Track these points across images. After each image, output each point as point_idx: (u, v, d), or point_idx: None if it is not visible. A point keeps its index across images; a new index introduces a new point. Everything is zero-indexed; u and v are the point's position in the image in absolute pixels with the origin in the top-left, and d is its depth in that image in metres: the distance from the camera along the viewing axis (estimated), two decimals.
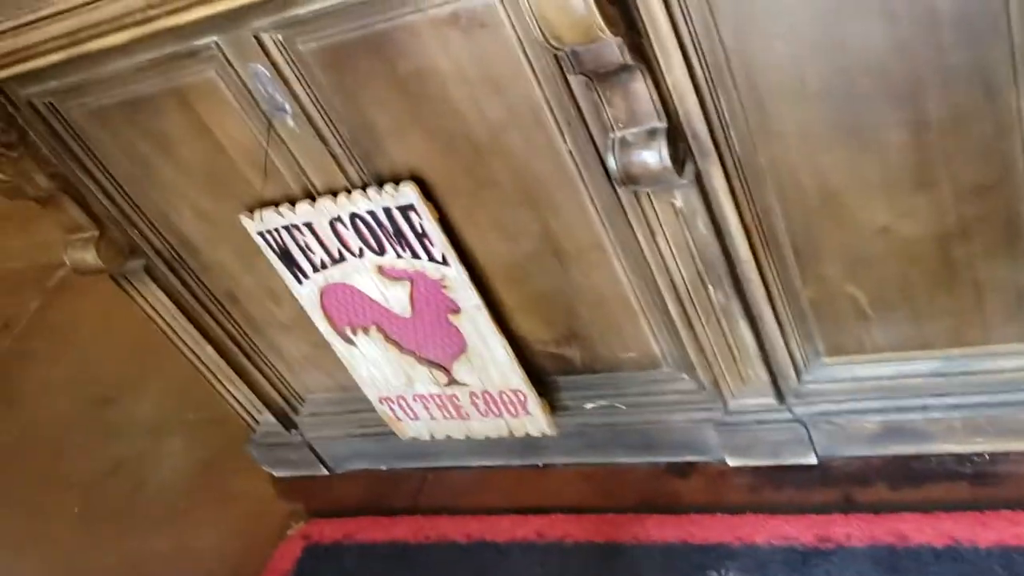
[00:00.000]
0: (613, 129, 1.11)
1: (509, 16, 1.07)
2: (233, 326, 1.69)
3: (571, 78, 1.09)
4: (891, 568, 1.32)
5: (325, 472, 1.92)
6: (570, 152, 1.20)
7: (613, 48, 0.99)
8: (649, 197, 1.19)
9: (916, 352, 1.31)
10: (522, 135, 1.20)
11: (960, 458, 1.40)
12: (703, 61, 1.06)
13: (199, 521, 2.01)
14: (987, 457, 1.38)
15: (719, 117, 1.11)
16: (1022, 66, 0.96)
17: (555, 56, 1.06)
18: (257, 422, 1.87)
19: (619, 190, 1.20)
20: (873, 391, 1.37)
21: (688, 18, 1.02)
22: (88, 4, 1.12)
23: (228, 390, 1.80)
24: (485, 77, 1.15)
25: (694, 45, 1.04)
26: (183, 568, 1.92)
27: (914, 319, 1.26)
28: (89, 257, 1.50)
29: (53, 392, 2.66)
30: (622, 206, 1.24)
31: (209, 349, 1.70)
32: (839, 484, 1.46)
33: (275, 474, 1.98)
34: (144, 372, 2.44)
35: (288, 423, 1.85)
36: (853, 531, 1.38)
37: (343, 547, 1.76)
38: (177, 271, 1.59)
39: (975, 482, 1.37)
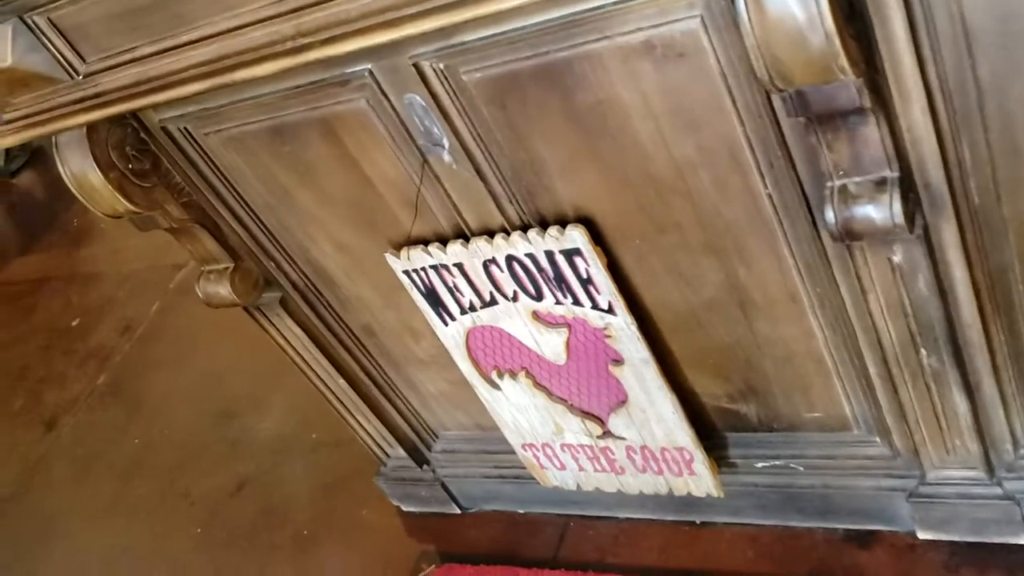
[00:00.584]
0: (832, 177, 0.94)
1: (712, 45, 0.91)
2: (368, 360, 1.58)
3: (784, 118, 0.93)
4: None
5: (457, 511, 1.80)
6: (769, 196, 1.04)
7: (851, 90, 0.82)
8: (863, 251, 1.02)
9: None
10: (713, 176, 1.04)
11: None
12: (949, 103, 0.88)
13: (324, 553, 1.92)
14: None
15: (959, 165, 0.93)
16: None
17: (767, 93, 0.89)
18: (387, 455, 1.77)
19: (826, 240, 1.03)
20: None
21: (938, 53, 0.85)
22: (232, 31, 1.01)
23: (359, 422, 1.69)
24: (676, 111, 0.99)
25: (941, 84, 0.87)
26: None
27: None
28: (223, 290, 1.40)
29: (175, 401, 2.62)
30: (827, 258, 1.07)
31: (342, 382, 1.60)
32: None
33: (404, 508, 1.88)
34: (267, 386, 2.37)
35: (420, 459, 1.74)
36: None
37: None
38: (313, 304, 1.49)
39: None
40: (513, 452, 1.56)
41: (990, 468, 1.24)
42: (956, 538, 1.34)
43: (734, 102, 0.96)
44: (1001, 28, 0.82)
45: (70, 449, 2.69)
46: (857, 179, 0.93)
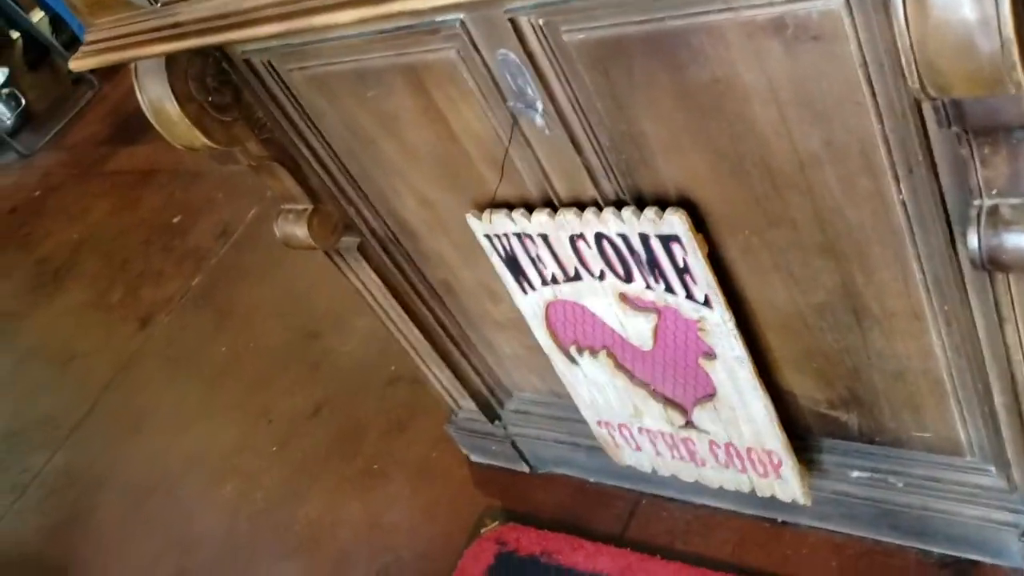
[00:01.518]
0: (982, 196, 0.80)
1: (856, 30, 0.77)
2: (445, 314, 1.51)
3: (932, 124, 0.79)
4: None
5: (526, 470, 1.74)
6: (903, 204, 0.90)
7: (1022, 105, 0.67)
8: (1007, 279, 0.87)
9: None
10: (839, 174, 0.91)
11: None
12: None
13: (391, 491, 1.90)
14: None
15: None
16: None
17: (916, 100, 0.75)
18: (459, 406, 1.71)
19: (963, 260, 0.89)
20: None
21: None
22: None
23: (433, 371, 1.63)
24: (803, 100, 0.85)
25: None
26: (372, 545, 1.81)
27: None
28: (300, 232, 1.34)
29: (263, 314, 2.61)
30: (962, 279, 0.93)
31: (417, 332, 1.53)
32: None
33: (473, 458, 1.82)
34: (352, 311, 2.32)
35: (491, 415, 1.67)
36: None
37: (539, 565, 1.58)
38: (392, 254, 1.41)
39: None
40: (587, 423, 1.48)
41: None
42: None
43: (874, 97, 0.82)
44: None
45: (162, 349, 2.73)
46: (1013, 201, 0.78)
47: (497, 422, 1.69)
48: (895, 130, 0.84)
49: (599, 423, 1.44)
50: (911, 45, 0.65)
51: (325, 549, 1.86)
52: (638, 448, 1.43)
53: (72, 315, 3.09)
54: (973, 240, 0.81)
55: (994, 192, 0.79)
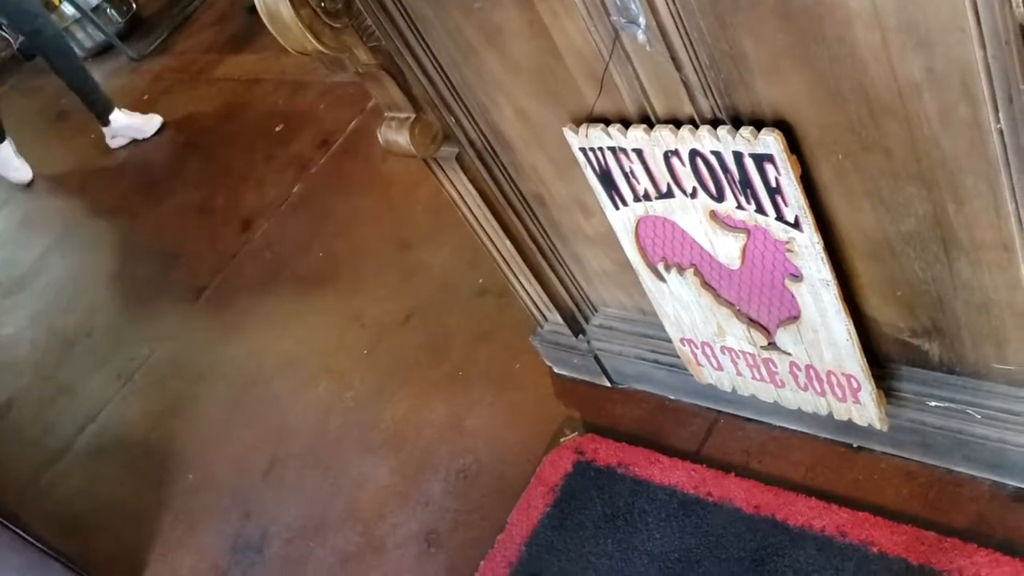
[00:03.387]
0: None
1: None
2: (536, 227, 1.55)
3: None
4: None
5: (607, 384, 1.79)
6: (1000, 133, 0.90)
7: None
8: None
9: None
10: (938, 102, 0.91)
11: None
12: None
13: (475, 397, 1.97)
14: None
15: None
16: None
17: (1022, 27, 0.75)
18: (545, 319, 1.76)
19: None
20: None
21: None
22: None
23: (521, 283, 1.68)
24: (907, 25, 0.86)
25: None
26: (453, 446, 1.90)
27: None
28: (402, 139, 1.39)
29: (358, 223, 2.70)
30: None
31: (508, 243, 1.58)
32: None
33: (556, 371, 1.88)
34: (443, 223, 2.39)
35: (576, 329, 1.73)
36: None
37: (616, 476, 1.64)
38: (488, 165, 1.45)
39: None
40: (670, 341, 1.52)
41: None
42: None
43: (979, 23, 0.82)
44: None
45: (261, 252, 2.84)
46: None
47: (581, 336, 1.74)
48: (997, 58, 0.84)
49: (682, 340, 1.48)
50: None
51: (409, 447, 1.96)
52: (719, 367, 1.47)
53: (179, 216, 3.23)
54: None
55: None
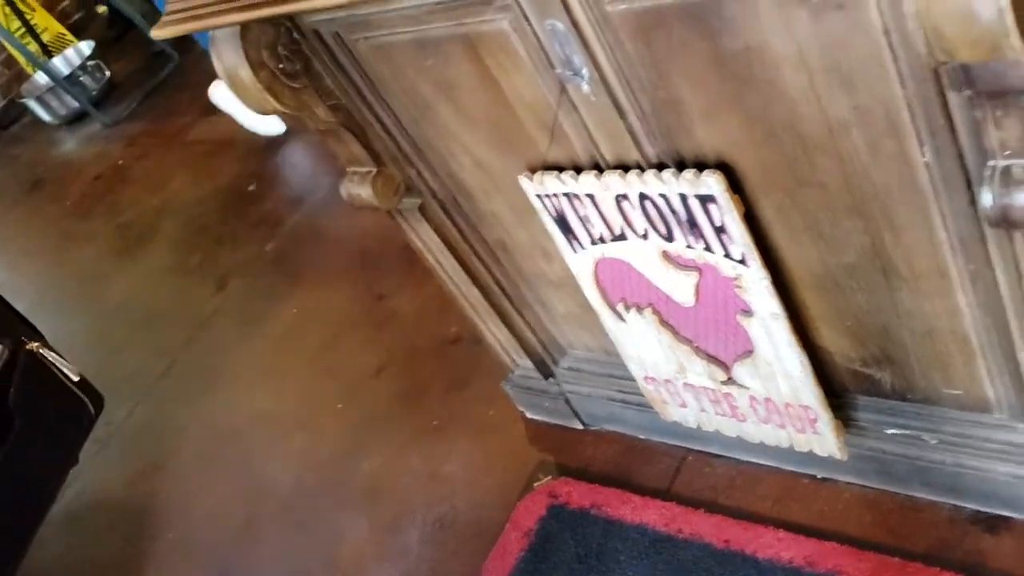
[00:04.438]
0: (996, 156, 0.84)
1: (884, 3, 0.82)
2: (501, 273, 1.59)
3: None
4: None
5: (579, 427, 1.82)
6: (927, 166, 0.95)
7: (1022, 69, 0.72)
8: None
9: None
10: (866, 138, 0.96)
11: None
12: None
13: (450, 446, 1.99)
14: None
15: None
16: None
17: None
18: (516, 363, 1.79)
19: (990, 227, 0.94)
20: None
21: None
22: None
23: (490, 329, 1.72)
24: (831, 67, 0.91)
25: None
26: (429, 495, 1.91)
27: None
28: (365, 193, 1.43)
29: (332, 276, 2.73)
30: (984, 239, 0.97)
31: (475, 290, 1.61)
32: None
33: (528, 415, 1.91)
34: (417, 274, 2.41)
35: (546, 372, 1.76)
36: None
37: (589, 517, 1.66)
38: (451, 214, 1.49)
39: None
40: (635, 379, 1.55)
41: None
42: None
43: (896, 62, 0.87)
44: None
45: (236, 310, 2.87)
46: None
47: (551, 380, 1.77)
48: (917, 94, 0.88)
49: (646, 379, 1.51)
50: (917, 11, 0.70)
51: (386, 499, 1.97)
52: (683, 404, 1.50)
53: (153, 277, 3.25)
54: (987, 199, 0.86)
55: (1007, 153, 0.83)
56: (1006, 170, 0.84)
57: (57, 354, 2.08)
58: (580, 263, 1.35)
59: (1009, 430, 1.22)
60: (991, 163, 0.85)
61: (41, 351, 1.98)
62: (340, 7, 1.08)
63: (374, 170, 1.41)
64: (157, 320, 3.03)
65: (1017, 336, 1.07)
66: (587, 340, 1.63)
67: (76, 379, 2.10)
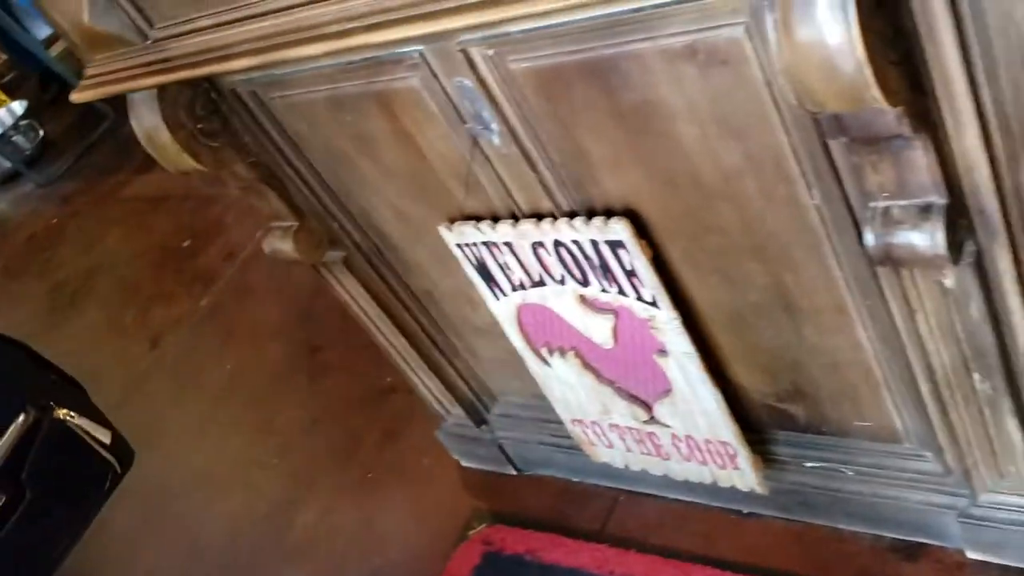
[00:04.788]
0: (876, 198, 0.89)
1: (757, 54, 0.87)
2: (429, 322, 1.61)
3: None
4: None
5: (513, 472, 1.83)
6: (817, 208, 0.99)
7: (889, 118, 0.77)
8: (911, 272, 0.97)
9: None
10: (759, 184, 1.01)
11: None
12: (1005, 128, 0.82)
13: (385, 497, 1.99)
14: None
15: (1016, 193, 0.87)
16: None
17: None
18: (448, 412, 1.80)
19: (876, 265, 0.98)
20: None
21: (993, 77, 0.79)
22: (283, 10, 1.02)
23: (421, 379, 1.73)
24: (721, 118, 0.95)
25: (996, 109, 0.81)
26: (365, 548, 1.91)
27: None
28: (287, 247, 1.44)
29: (267, 331, 2.72)
30: (875, 276, 1.02)
31: (403, 340, 1.63)
32: None
33: (463, 463, 1.92)
34: (350, 326, 2.41)
35: (478, 419, 1.77)
36: None
37: (523, 563, 1.67)
38: (376, 266, 1.52)
39: None
40: (563, 422, 1.57)
41: None
42: (1007, 562, 1.29)
43: (779, 113, 0.91)
44: None
45: (171, 367, 2.84)
46: (902, 203, 0.88)
47: (484, 427, 1.78)
48: (802, 142, 0.93)
49: (573, 421, 1.53)
50: (786, 67, 0.75)
51: (323, 554, 1.96)
52: (610, 445, 1.53)
53: (87, 336, 3.21)
54: (870, 238, 0.90)
55: (885, 195, 0.88)
56: (886, 211, 0.89)
57: (91, 416, 2.01)
58: (503, 309, 1.38)
59: (919, 459, 1.27)
60: (872, 205, 0.90)
61: (70, 417, 1.92)
62: (253, 68, 1.10)
63: (296, 224, 1.43)
64: (91, 380, 2.95)
65: (916, 368, 1.11)
66: (516, 385, 1.65)
67: (107, 441, 2.04)
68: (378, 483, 2.03)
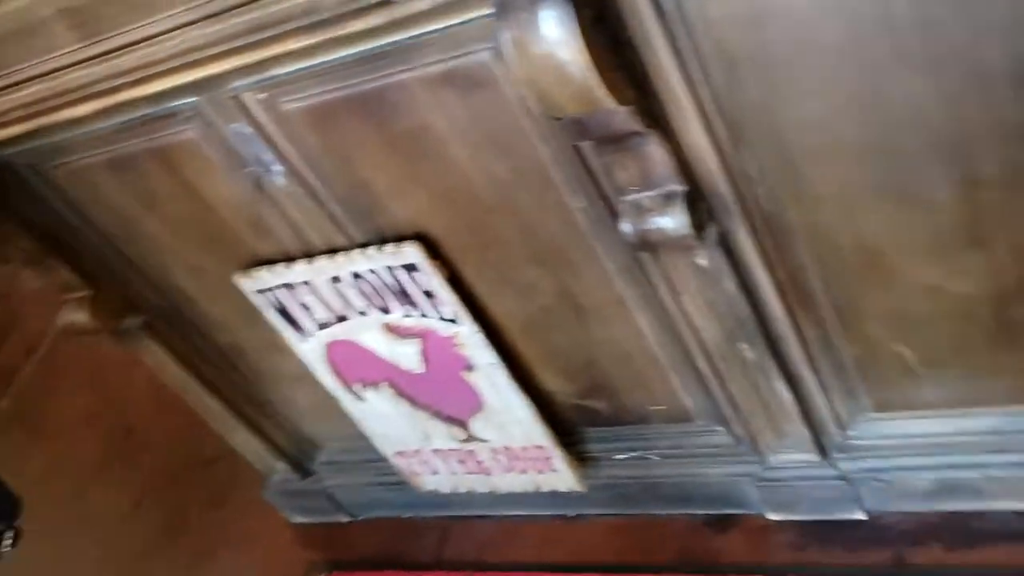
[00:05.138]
0: (627, 192, 1.00)
1: (505, 76, 0.96)
2: (240, 377, 1.61)
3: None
4: None
5: (346, 519, 1.84)
6: (583, 211, 1.09)
7: (621, 116, 0.87)
8: (669, 256, 1.08)
9: (972, 409, 1.19)
10: (530, 194, 1.10)
11: (1022, 516, 1.27)
12: (726, 120, 0.94)
13: (218, 568, 1.95)
14: None
15: (744, 176, 1.00)
16: None
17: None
18: (273, 469, 1.80)
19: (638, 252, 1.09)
20: (925, 448, 1.25)
21: (709, 77, 0.91)
22: (50, 73, 1.04)
23: (239, 439, 1.72)
24: (486, 137, 1.04)
25: (716, 104, 0.93)
26: None
27: (969, 377, 1.15)
28: (82, 318, 1.42)
29: (76, 419, 2.59)
30: (641, 264, 1.13)
31: (216, 402, 1.63)
32: (890, 543, 1.35)
33: (294, 520, 1.91)
34: (165, 399, 2.36)
35: (304, 471, 1.78)
36: None
37: None
38: (177, 327, 1.51)
39: None
40: (387, 459, 1.60)
41: (823, 450, 1.31)
42: (802, 518, 1.42)
43: (536, 125, 1.01)
44: (758, 56, 0.88)
45: None
46: (648, 193, 0.98)
47: (311, 478, 1.79)
48: (559, 150, 1.03)
49: (396, 455, 1.57)
50: (524, 79, 0.84)
51: None
52: (435, 471, 1.57)
53: None
54: (626, 228, 1.01)
55: (634, 188, 0.99)
56: (636, 203, 0.99)
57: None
58: (311, 351, 1.41)
59: (712, 434, 1.38)
60: (624, 200, 1.00)
61: None
62: (24, 137, 1.10)
63: (89, 293, 1.41)
64: None
65: (692, 347, 1.23)
66: (337, 429, 1.67)
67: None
68: (210, 555, 1.98)
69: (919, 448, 1.26)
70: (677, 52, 0.89)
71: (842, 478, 1.33)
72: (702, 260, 1.07)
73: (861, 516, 1.37)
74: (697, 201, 1.00)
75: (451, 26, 0.92)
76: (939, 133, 0.89)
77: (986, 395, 1.17)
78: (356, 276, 1.26)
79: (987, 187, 0.93)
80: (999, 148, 0.89)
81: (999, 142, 0.88)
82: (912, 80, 0.85)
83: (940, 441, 1.24)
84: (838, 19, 0.82)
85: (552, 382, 1.39)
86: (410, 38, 0.94)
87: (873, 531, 1.36)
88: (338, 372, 1.44)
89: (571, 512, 1.62)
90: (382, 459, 1.64)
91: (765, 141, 0.95)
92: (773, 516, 1.43)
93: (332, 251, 1.26)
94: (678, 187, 0.97)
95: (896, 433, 1.26)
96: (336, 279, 1.27)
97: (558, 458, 1.44)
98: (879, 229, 1.00)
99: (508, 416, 1.39)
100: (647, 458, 1.46)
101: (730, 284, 1.09)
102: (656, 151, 0.94)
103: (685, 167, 0.97)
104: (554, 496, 1.56)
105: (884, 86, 0.86)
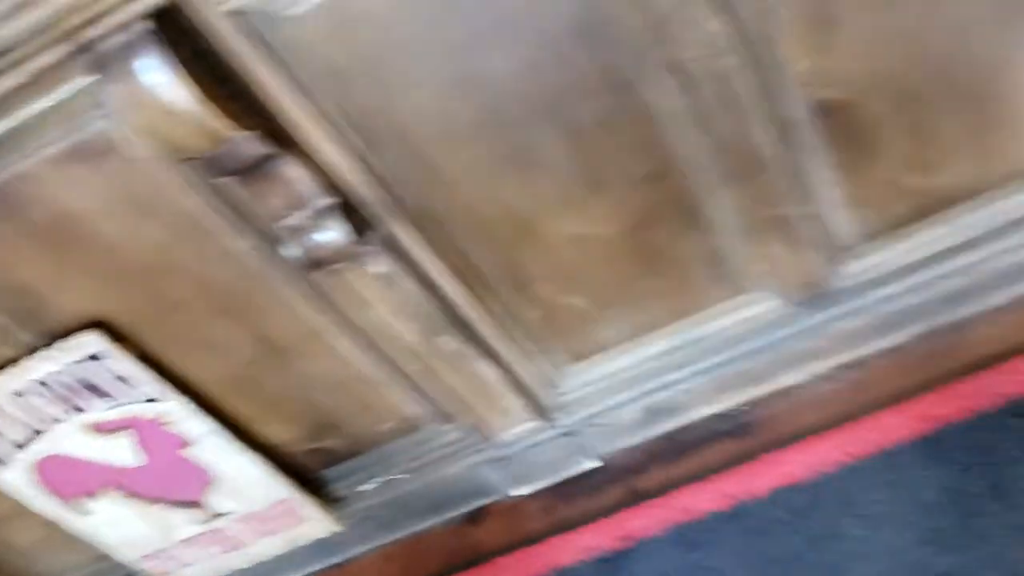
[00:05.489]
0: (281, 218, 1.04)
1: (128, 136, 0.98)
2: None
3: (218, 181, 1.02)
4: (691, 545, 1.35)
5: None
6: (251, 251, 1.12)
7: (249, 142, 0.92)
8: (348, 272, 1.14)
9: (647, 335, 1.34)
10: (193, 249, 1.11)
11: (721, 417, 1.44)
12: (355, 128, 1.01)
13: None
14: (744, 408, 1.43)
15: (387, 177, 1.07)
16: (646, 62, 0.99)
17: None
18: None
19: (313, 275, 1.14)
20: (624, 382, 1.39)
21: (322, 90, 0.97)
22: None
23: None
24: (130, 204, 1.05)
25: (341, 115, 1.00)
26: None
27: (635, 307, 1.29)
28: None
29: None
30: (322, 287, 1.18)
31: None
32: (622, 479, 1.48)
33: None
34: None
35: None
36: (647, 521, 1.39)
37: None
38: None
39: (737, 435, 1.42)
40: (137, 569, 1.53)
41: (543, 414, 1.41)
42: (544, 483, 1.52)
43: (177, 178, 1.03)
44: (358, 61, 0.96)
45: None
46: (302, 213, 1.03)
47: None
48: (205, 198, 1.04)
49: (144, 559, 1.51)
50: (142, 128, 0.87)
51: None
52: (190, 563, 1.52)
53: None
54: (292, 252, 1.05)
55: (286, 211, 1.04)
56: (293, 226, 1.04)
57: None
58: (16, 477, 1.33)
59: (441, 433, 1.45)
60: (279, 225, 1.05)
61: None
62: None
63: None
64: None
65: (397, 355, 1.29)
66: (72, 558, 1.57)
67: None
68: None
69: (619, 385, 1.39)
70: (285, 73, 0.95)
71: (567, 434, 1.44)
72: (376, 267, 1.13)
73: (595, 463, 1.49)
74: (352, 211, 1.06)
75: (58, 103, 0.93)
76: (533, 98, 1.01)
77: (654, 319, 1.32)
78: (41, 383, 1.21)
79: (589, 135, 1.06)
80: (586, 99, 1.02)
81: (584, 93, 1.02)
82: (492, 56, 0.96)
83: (632, 373, 1.38)
84: (410, 11, 0.91)
85: (278, 433, 1.40)
86: (17, 125, 0.94)
87: (606, 474, 1.49)
88: (55, 491, 1.37)
89: (339, 558, 1.63)
90: (130, 571, 1.56)
91: (392, 140, 1.03)
92: (518, 491, 1.52)
93: (4, 365, 1.21)
94: (327, 200, 1.03)
95: (596, 377, 1.38)
96: (18, 393, 1.21)
97: (306, 505, 1.45)
98: (515, 197, 1.11)
99: (241, 480, 1.38)
100: (395, 479, 1.50)
101: (410, 284, 1.17)
102: (295, 171, 1.00)
103: (329, 180, 1.03)
104: (319, 547, 1.56)
105: (472, 65, 0.97)
